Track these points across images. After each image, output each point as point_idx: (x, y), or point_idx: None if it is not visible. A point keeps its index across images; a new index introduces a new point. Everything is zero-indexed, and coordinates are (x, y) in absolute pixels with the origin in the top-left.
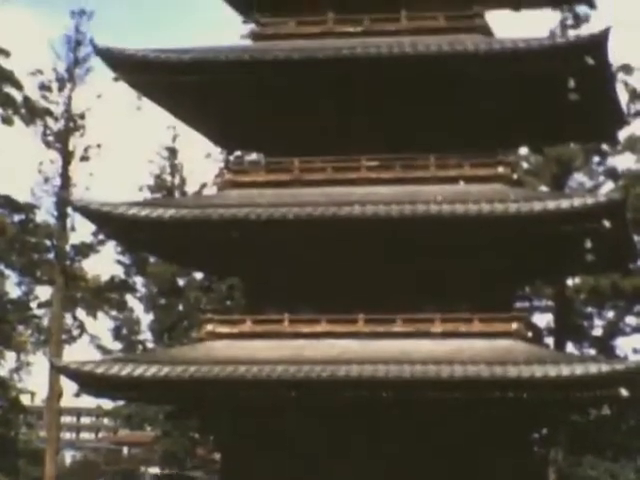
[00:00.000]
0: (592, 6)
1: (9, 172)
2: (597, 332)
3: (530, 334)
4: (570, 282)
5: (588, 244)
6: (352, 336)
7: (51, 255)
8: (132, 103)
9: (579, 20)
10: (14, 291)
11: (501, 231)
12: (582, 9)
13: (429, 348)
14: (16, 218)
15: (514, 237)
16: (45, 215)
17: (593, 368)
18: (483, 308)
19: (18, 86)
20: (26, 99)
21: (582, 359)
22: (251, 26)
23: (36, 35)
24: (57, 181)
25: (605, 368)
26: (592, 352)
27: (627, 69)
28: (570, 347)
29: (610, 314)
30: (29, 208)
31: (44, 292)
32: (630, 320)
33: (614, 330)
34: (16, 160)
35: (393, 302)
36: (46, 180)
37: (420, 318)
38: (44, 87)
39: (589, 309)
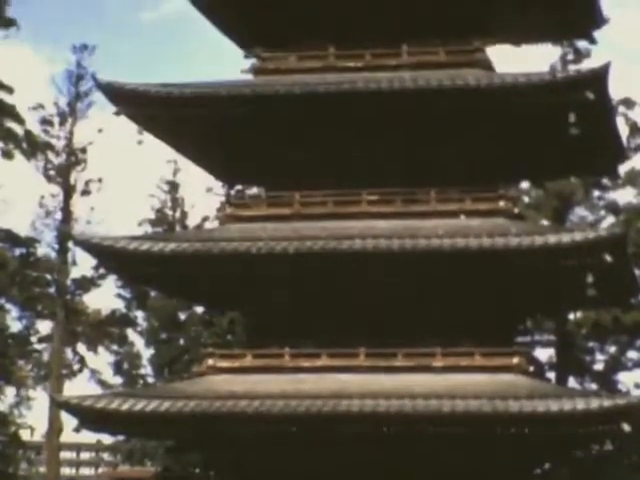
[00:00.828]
0: (593, 41)
1: (10, 205)
2: (599, 367)
3: (532, 368)
4: (572, 316)
5: (589, 278)
6: (353, 370)
7: (52, 289)
8: (133, 137)
9: (580, 55)
10: (15, 325)
11: (502, 265)
12: (583, 44)
13: (430, 382)
14: (17, 252)
15: (515, 271)
16: (46, 249)
17: (595, 403)
18: (484, 342)
19: (20, 121)
20: (28, 133)
21: (584, 394)
22: (252, 60)
23: (39, 70)
24: (58, 215)
25: (607, 403)
26: (594, 387)
27: (628, 103)
28: (572, 382)
29: (612, 349)
30: (30, 242)
31: (45, 326)
32: (632, 355)
33: (616, 365)
34: (17, 193)
35: (394, 336)
36: (47, 214)
37: (421, 352)
38: (45, 121)
39: (591, 344)
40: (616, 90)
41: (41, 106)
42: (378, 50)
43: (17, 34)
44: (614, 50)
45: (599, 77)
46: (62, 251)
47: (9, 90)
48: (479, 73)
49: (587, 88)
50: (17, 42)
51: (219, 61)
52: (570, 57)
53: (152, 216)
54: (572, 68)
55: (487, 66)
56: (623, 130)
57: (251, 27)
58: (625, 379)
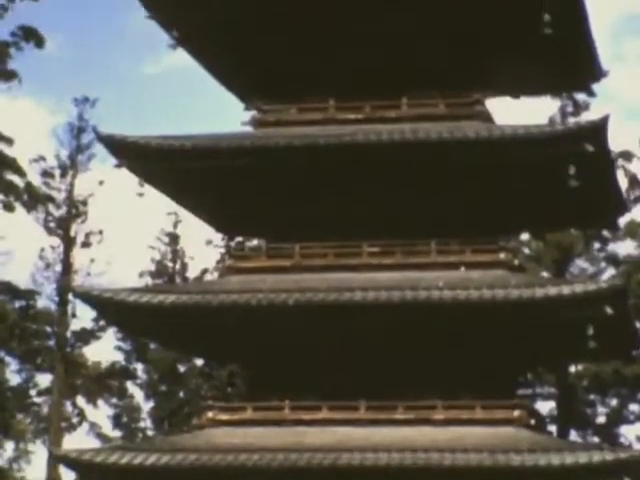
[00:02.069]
0: (591, 94)
1: (10, 256)
2: (600, 420)
3: (533, 422)
4: (572, 369)
5: (590, 331)
6: (354, 423)
7: (52, 342)
8: (134, 189)
9: (579, 107)
10: (14, 378)
11: (503, 317)
12: (582, 97)
13: (431, 435)
14: (17, 304)
15: (516, 323)
16: (46, 301)
17: (597, 456)
18: (485, 395)
19: (21, 173)
20: (28, 186)
21: (586, 447)
22: (253, 113)
23: (41, 122)
24: (58, 267)
25: (609, 456)
26: (596, 440)
27: (627, 156)
28: (573, 435)
29: (613, 401)
30: (30, 294)
31: (44, 379)
32: (634, 408)
33: (618, 418)
34: (17, 244)
35: (394, 389)
36: (47, 266)
37: (422, 405)
38: (46, 174)
39: (592, 396)
40: (616, 143)
41: (42, 158)
42: (378, 102)
43: (19, 87)
44: (614, 102)
45: (598, 130)
46: (62, 303)
47: (10, 142)
48: (479, 125)
49: (586, 141)
50: (19, 94)
51: (220, 113)
52: (569, 109)
53: (152, 268)
54: (571, 120)
55: (487, 118)
56: (622, 182)
57: (251, 80)
58: (627, 432)
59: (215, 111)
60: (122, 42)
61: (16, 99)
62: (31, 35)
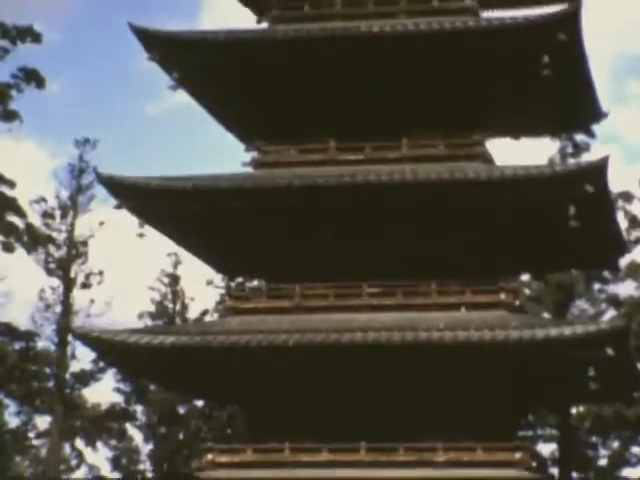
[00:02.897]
0: (591, 135)
1: (10, 297)
2: (602, 462)
3: (534, 464)
4: (574, 410)
5: (591, 372)
6: (354, 465)
7: (51, 383)
8: (134, 230)
9: (579, 148)
10: (12, 421)
11: (503, 358)
12: (582, 138)
13: (432, 478)
14: (16, 346)
15: (516, 364)
16: (46, 342)
17: None
18: (486, 437)
19: (21, 214)
20: (29, 227)
21: None
22: (253, 153)
23: (42, 163)
24: (58, 308)
25: None
26: None
27: (626, 196)
28: (575, 477)
29: (615, 444)
30: (30, 336)
31: (43, 421)
32: (636, 450)
33: (619, 460)
34: (17, 284)
35: (395, 430)
36: (47, 307)
37: (422, 447)
38: (47, 215)
39: (593, 438)
40: (616, 184)
41: (43, 199)
42: (378, 143)
43: (21, 128)
44: (615, 143)
45: (598, 171)
46: (62, 345)
47: (11, 184)
48: (479, 166)
49: (586, 182)
50: (22, 136)
51: (221, 154)
52: (569, 150)
53: (152, 309)
54: (571, 161)
55: (487, 159)
56: (622, 223)
57: (251, 121)
58: (629, 475)
59: (216, 151)
60: (125, 83)
61: (18, 140)
62: (32, 77)
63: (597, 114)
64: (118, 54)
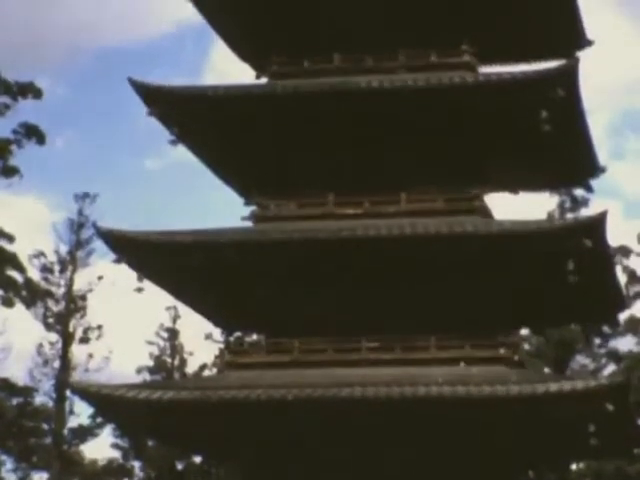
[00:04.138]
0: (590, 190)
1: (8, 352)
2: None
3: None
4: (574, 467)
5: (591, 428)
6: None
7: (48, 439)
8: (133, 284)
9: (577, 203)
10: (10, 477)
11: (503, 414)
12: (580, 192)
13: None
14: (14, 401)
15: (516, 420)
16: (44, 397)
17: None
18: None
19: (21, 269)
20: (28, 281)
21: None
22: (252, 208)
23: (42, 218)
24: (56, 363)
25: None
26: None
27: (625, 251)
28: None
29: None
30: (28, 391)
31: (40, 478)
32: None
33: None
34: (15, 338)
35: None
36: (45, 362)
37: None
38: (46, 269)
39: None
40: (616, 239)
41: (42, 254)
42: (377, 198)
43: (21, 183)
44: (614, 198)
45: (597, 225)
46: (60, 400)
47: (10, 238)
48: (477, 220)
49: (585, 236)
50: (22, 190)
51: (220, 208)
52: (568, 205)
53: (151, 363)
54: (570, 216)
55: (485, 213)
56: (622, 278)
57: (251, 176)
58: None
59: (215, 206)
60: (127, 137)
61: (18, 194)
62: (33, 132)
63: (595, 169)
64: (121, 109)
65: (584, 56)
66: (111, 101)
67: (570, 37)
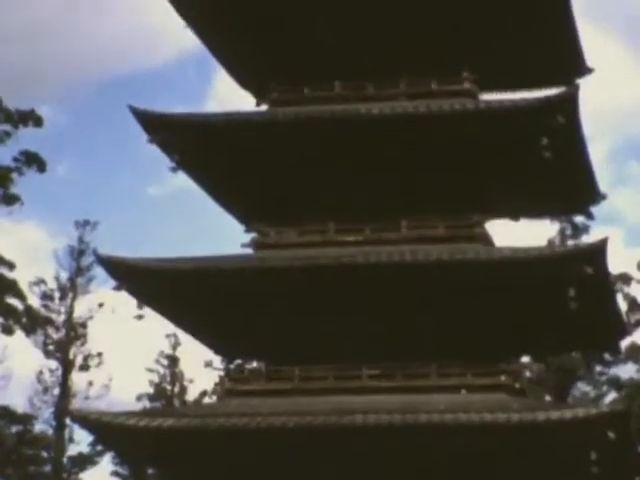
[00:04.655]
0: (590, 217)
1: (8, 379)
2: None
3: None
4: None
5: (593, 456)
6: None
7: (48, 467)
8: (133, 311)
9: (578, 230)
10: None
11: (504, 441)
12: (581, 219)
13: None
14: (14, 429)
15: (517, 447)
16: (43, 425)
17: None
18: None
19: (21, 296)
20: (28, 309)
21: None
22: (253, 235)
23: (42, 245)
24: (56, 390)
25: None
26: None
27: (625, 279)
28: None
29: None
30: (27, 419)
31: None
32: None
33: None
34: (15, 365)
35: None
36: (45, 390)
37: None
38: (46, 296)
39: None
40: (617, 266)
41: (42, 281)
42: (378, 224)
43: (23, 210)
44: (616, 225)
45: (597, 252)
46: (59, 428)
47: (11, 265)
48: (478, 247)
49: (586, 263)
50: (22, 217)
51: (220, 235)
52: (568, 232)
53: (151, 390)
54: (570, 243)
55: (486, 240)
56: (622, 305)
57: (251, 203)
58: None
59: (216, 233)
60: (128, 164)
61: (19, 221)
62: (33, 160)
63: (596, 196)
64: (122, 136)
65: (584, 83)
66: (113, 129)
67: (570, 65)
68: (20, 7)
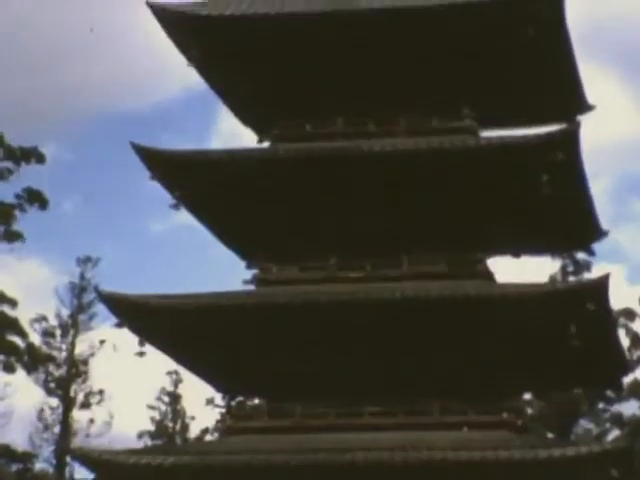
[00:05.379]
0: (592, 254)
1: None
2: None
3: None
4: None
5: None
6: None
7: None
8: (135, 348)
9: (580, 267)
10: None
11: (506, 479)
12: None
13: None
14: (14, 467)
15: None
16: (44, 464)
17: None
18: None
19: (22, 334)
20: (29, 347)
21: None
22: (254, 271)
23: (44, 281)
24: (57, 428)
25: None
26: None
27: (628, 314)
28: None
29: None
30: (27, 457)
31: None
32: None
33: None
34: (15, 402)
35: None
36: (46, 427)
37: None
38: (47, 333)
39: None
40: (619, 302)
41: (44, 318)
42: (379, 261)
43: (25, 246)
44: (618, 261)
45: (599, 289)
46: (60, 466)
47: (13, 303)
48: (480, 284)
49: (588, 299)
50: (25, 254)
51: (222, 271)
52: (570, 269)
53: (152, 428)
54: (572, 279)
55: (488, 277)
56: (625, 342)
57: (253, 239)
58: None
59: (218, 269)
60: (132, 201)
61: (22, 259)
62: (35, 197)
63: (597, 233)
64: (125, 173)
65: (587, 120)
66: (118, 165)
67: (571, 101)
68: (23, 41)
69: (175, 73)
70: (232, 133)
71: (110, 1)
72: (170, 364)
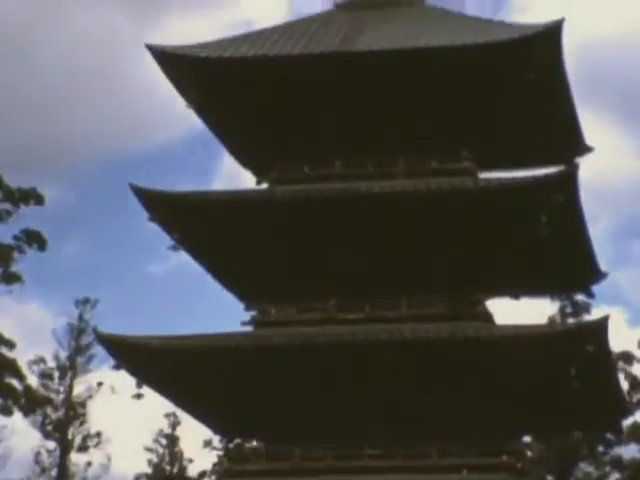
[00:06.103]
0: (591, 295)
1: (5, 460)
2: None
3: None
4: None
5: None
6: None
7: None
8: (132, 390)
9: (579, 308)
10: None
11: None
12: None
13: None
14: None
15: None
16: None
17: None
18: None
19: (20, 376)
20: (27, 389)
21: None
22: (252, 312)
23: (43, 323)
24: (54, 472)
25: None
26: None
27: (627, 357)
28: None
29: None
30: None
31: None
32: None
33: None
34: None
35: None
36: (43, 471)
37: None
38: (45, 375)
39: None
40: (619, 346)
41: (42, 360)
42: (378, 302)
43: (23, 289)
44: (619, 304)
45: (598, 330)
46: None
47: (11, 345)
48: (479, 325)
49: (587, 341)
50: (23, 296)
51: (221, 313)
52: (569, 310)
53: (149, 470)
54: (571, 321)
55: (487, 318)
56: (624, 385)
57: (251, 281)
58: None
59: (216, 311)
60: (131, 242)
61: (20, 301)
62: (34, 238)
63: (596, 275)
64: (126, 214)
65: (587, 162)
66: (117, 207)
67: (569, 144)
68: (26, 87)
69: (178, 114)
70: (235, 173)
71: (111, 44)
72: (168, 406)
